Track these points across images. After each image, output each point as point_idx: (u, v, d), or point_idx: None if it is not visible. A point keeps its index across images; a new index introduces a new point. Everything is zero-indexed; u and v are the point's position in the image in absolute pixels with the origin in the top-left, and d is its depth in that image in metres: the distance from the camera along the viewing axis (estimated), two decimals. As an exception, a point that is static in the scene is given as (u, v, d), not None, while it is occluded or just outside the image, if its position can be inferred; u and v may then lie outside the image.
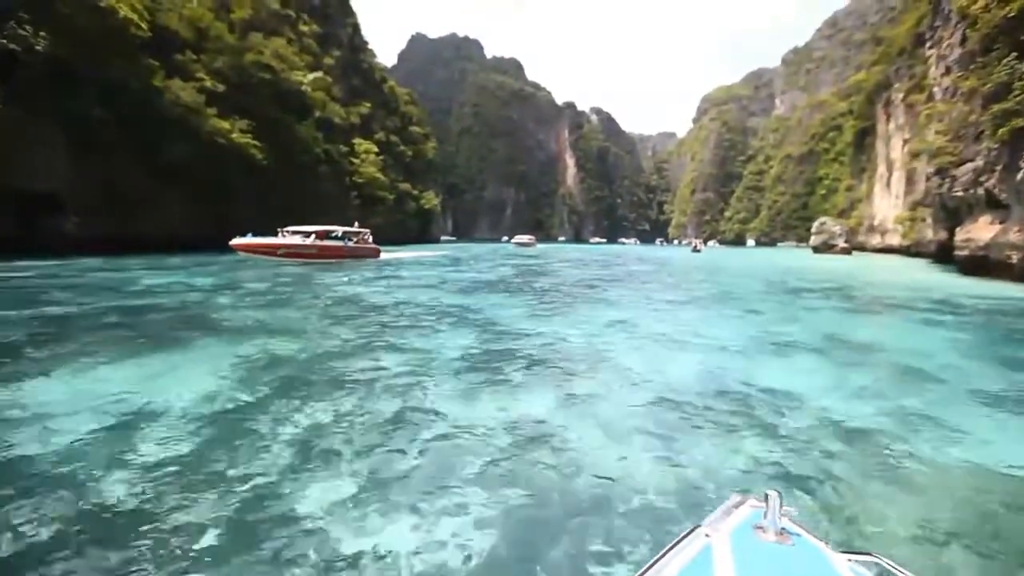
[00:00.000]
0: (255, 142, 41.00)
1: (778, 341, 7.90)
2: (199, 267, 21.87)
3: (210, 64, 41.47)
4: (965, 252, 21.47)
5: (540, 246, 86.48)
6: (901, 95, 61.28)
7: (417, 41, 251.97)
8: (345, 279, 17.41)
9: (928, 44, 28.39)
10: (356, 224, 32.24)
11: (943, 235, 32.71)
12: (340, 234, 28.92)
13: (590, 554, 2.71)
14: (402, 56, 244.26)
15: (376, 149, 66.24)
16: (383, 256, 32.96)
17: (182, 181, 35.77)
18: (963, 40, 23.66)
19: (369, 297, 12.85)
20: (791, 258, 48.78)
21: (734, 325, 9.37)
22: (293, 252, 24.82)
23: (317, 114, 55.86)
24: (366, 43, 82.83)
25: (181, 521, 2.94)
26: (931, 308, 11.93)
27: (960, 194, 21.40)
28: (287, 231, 26.26)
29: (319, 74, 56.23)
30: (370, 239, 32.39)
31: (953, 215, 23.11)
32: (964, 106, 22.51)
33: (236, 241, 23.97)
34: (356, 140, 64.08)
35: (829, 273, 25.51)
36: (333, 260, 26.59)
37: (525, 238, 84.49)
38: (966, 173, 21.01)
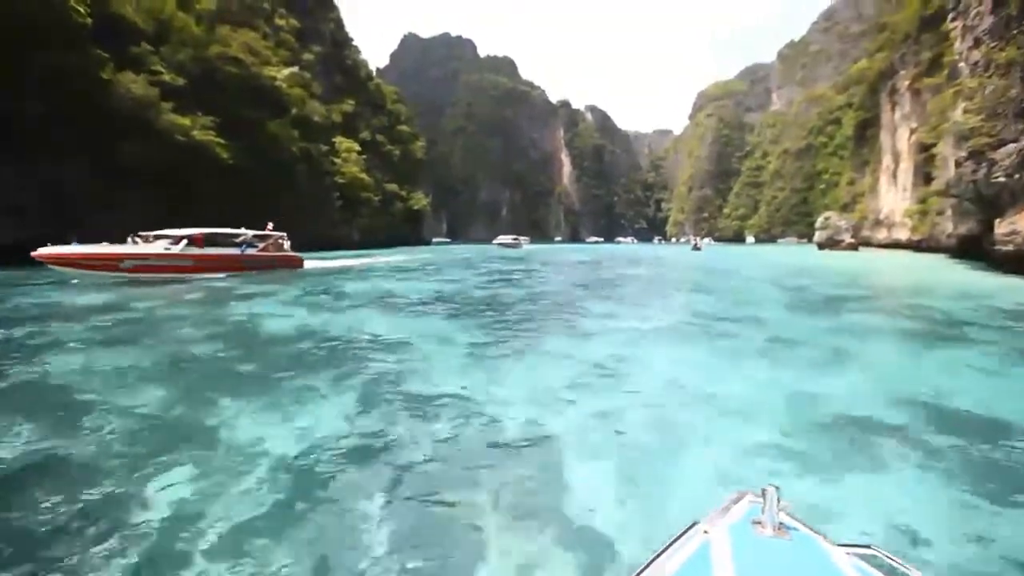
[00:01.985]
0: (219, 140, 38.02)
1: (843, 416, 4.65)
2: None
3: (171, 57, 38.56)
4: (1008, 247, 18.61)
5: (530, 247, 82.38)
6: (907, 82, 58.54)
7: (409, 41, 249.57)
8: (220, 303, 12.52)
9: (951, 16, 25.54)
10: (270, 226, 25.12)
11: (966, 228, 29.90)
12: (250, 238, 22.69)
13: None
14: (394, 56, 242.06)
15: (358, 148, 63.32)
16: (310, 265, 26.22)
17: (139, 183, 32.82)
18: (996, 6, 20.81)
19: (238, 334, 8.78)
20: (798, 256, 45.83)
21: (764, 378, 6.09)
22: (149, 265, 18.22)
23: (294, 112, 52.88)
24: (350, 39, 79.93)
25: None
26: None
27: (1002, 180, 18.54)
28: (146, 235, 19.71)
29: (295, 69, 53.27)
30: (287, 244, 25.60)
31: (990, 204, 20.26)
32: (1001, 80, 19.65)
33: (44, 251, 16.63)
34: (337, 138, 61.12)
35: (850, 275, 22.53)
36: (222, 273, 20.00)
37: (508, 238, 76.98)
38: (1009, 155, 18.15)
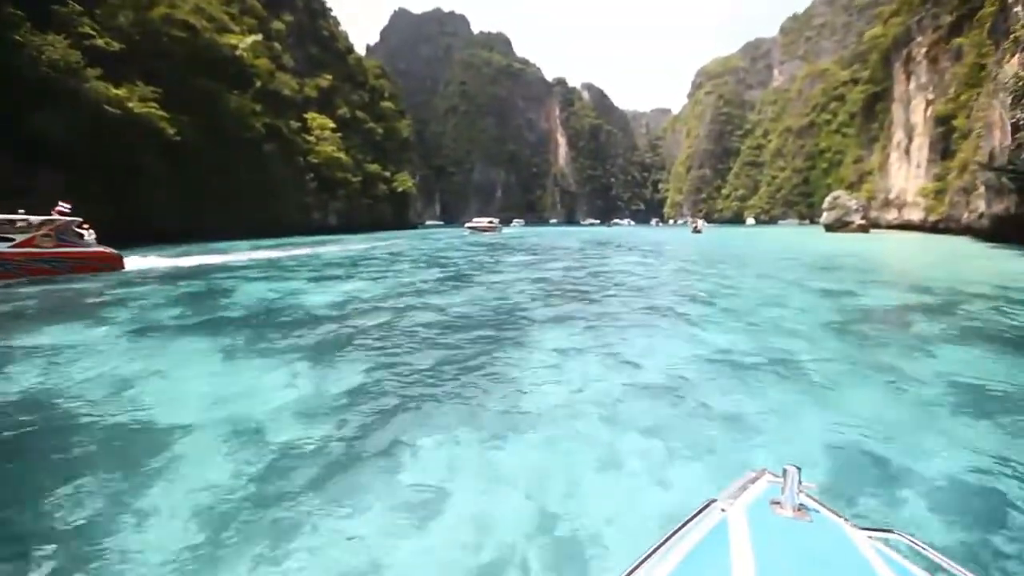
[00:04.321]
0: (163, 113, 33.88)
1: None
2: None
3: (108, 20, 34.14)
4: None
5: (512, 230, 75.78)
6: (925, 49, 54.32)
7: (400, 17, 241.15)
8: None
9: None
10: (60, 208, 16.30)
11: (1003, 207, 26.30)
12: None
13: None
14: (384, 33, 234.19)
15: (333, 124, 58.88)
16: (138, 265, 17.89)
17: (60, 162, 28.87)
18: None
19: None
20: (809, 240, 42.03)
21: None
22: None
23: (259, 84, 48.48)
24: (327, 8, 74.71)
25: None
26: None
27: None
28: None
29: (259, 38, 48.67)
30: (90, 236, 17.22)
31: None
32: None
33: None
34: (309, 115, 56.68)
35: (887, 266, 18.85)
36: None
37: (483, 221, 65.43)
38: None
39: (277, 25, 58.45)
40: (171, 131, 34.35)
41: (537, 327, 8.30)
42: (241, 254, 24.88)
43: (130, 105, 31.54)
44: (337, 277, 16.02)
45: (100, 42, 31.92)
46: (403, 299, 11.48)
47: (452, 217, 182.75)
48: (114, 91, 30.76)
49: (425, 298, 11.62)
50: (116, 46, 32.48)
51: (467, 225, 66.23)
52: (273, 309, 10.24)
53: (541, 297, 11.86)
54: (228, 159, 43.10)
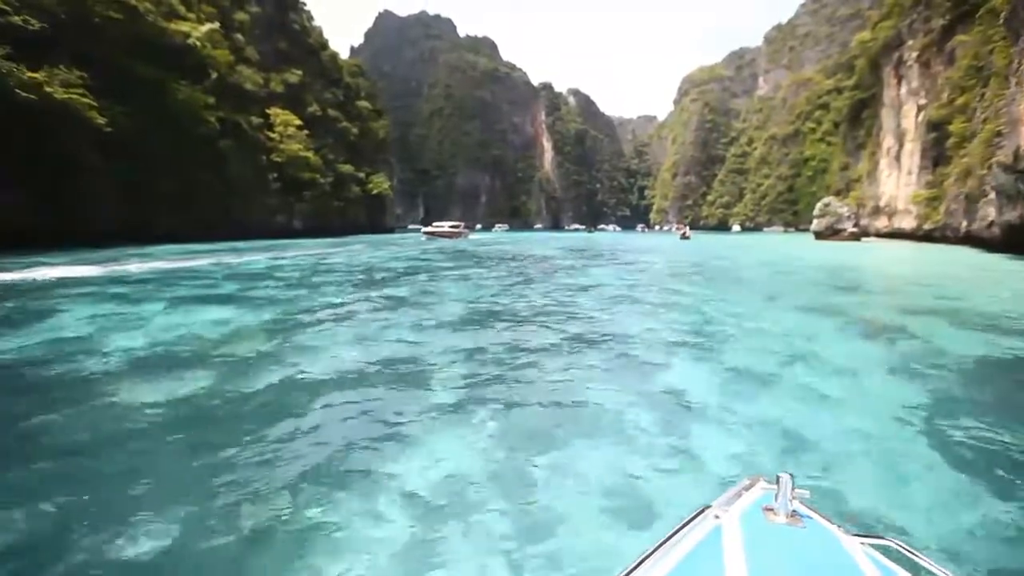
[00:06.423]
0: (92, 101, 30.18)
1: None
2: None
3: (32, -3, 30.36)
4: None
5: (492, 235, 71.90)
6: (915, 53, 52.72)
7: (385, 19, 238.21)
8: None
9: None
10: None
11: (1017, 215, 23.91)
12: None
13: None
14: (368, 35, 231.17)
15: (299, 121, 55.21)
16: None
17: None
18: None
19: None
20: (802, 248, 39.46)
21: None
22: None
23: (215, 76, 44.79)
24: (300, 1, 71.11)
25: None
26: None
27: None
28: None
29: (215, 26, 45.04)
30: None
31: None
32: None
33: None
34: (272, 110, 53.00)
35: (915, 283, 16.00)
36: None
37: (444, 226, 55.56)
38: None
39: (240, 16, 54.78)
40: (101, 121, 30.63)
41: (437, 415, 4.57)
42: (145, 263, 20.41)
43: (49, 90, 27.81)
44: (217, 299, 11.46)
45: (17, 19, 28.20)
46: (273, 341, 7.53)
47: (434, 222, 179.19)
48: (29, 74, 27.03)
49: (303, 339, 7.68)
50: (36, 24, 28.75)
51: (424, 231, 55.94)
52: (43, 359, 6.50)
53: (468, 348, 7.08)
54: (179, 155, 39.41)
